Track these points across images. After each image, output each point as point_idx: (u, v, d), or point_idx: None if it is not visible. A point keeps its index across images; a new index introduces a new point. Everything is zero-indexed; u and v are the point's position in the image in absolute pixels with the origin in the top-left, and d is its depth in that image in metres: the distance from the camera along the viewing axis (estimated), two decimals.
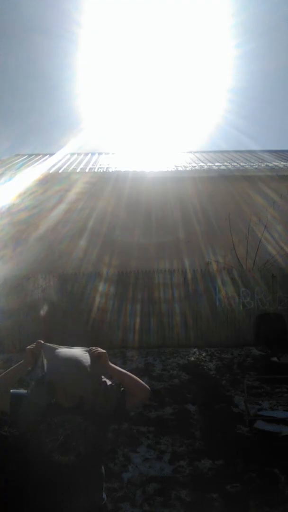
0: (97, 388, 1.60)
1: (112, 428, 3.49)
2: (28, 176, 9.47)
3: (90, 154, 12.99)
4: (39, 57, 31.58)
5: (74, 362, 1.62)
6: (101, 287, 7.72)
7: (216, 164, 10.56)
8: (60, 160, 11.45)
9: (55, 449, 1.51)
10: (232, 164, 10.57)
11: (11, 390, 1.66)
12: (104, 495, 1.68)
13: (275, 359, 6.24)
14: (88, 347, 1.76)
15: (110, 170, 9.91)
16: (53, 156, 12.19)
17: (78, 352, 1.71)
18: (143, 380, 1.68)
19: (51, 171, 9.92)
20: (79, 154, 12.94)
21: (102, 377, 1.69)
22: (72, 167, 10.41)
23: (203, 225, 9.28)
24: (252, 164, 10.54)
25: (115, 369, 1.74)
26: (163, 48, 31.20)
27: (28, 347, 1.72)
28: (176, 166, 10.24)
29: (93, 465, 1.59)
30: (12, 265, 8.54)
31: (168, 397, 5.11)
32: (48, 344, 1.73)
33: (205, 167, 10.23)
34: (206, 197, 9.43)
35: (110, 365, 1.73)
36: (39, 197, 9.30)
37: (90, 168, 10.27)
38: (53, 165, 10.61)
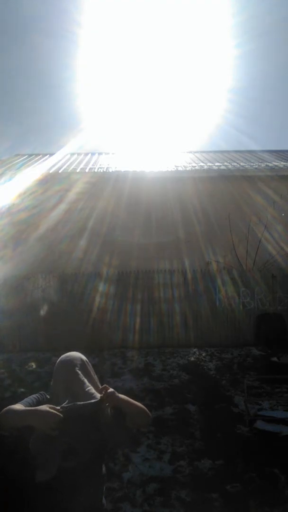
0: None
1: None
2: (28, 176, 9.47)
3: (90, 154, 12.99)
4: (39, 57, 31.60)
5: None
6: (101, 287, 7.72)
7: (216, 164, 10.56)
8: (60, 160, 11.45)
9: (58, 454, 1.51)
10: (232, 164, 10.57)
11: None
12: (104, 501, 1.67)
13: (275, 359, 6.24)
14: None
15: (110, 170, 9.91)
16: (53, 156, 12.19)
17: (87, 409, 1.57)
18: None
19: (51, 171, 9.92)
20: (79, 154, 12.94)
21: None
22: (72, 167, 10.41)
23: (203, 225, 9.29)
24: (252, 164, 10.54)
25: (125, 402, 1.65)
26: (163, 48, 31.24)
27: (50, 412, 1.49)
28: (176, 166, 10.25)
29: (94, 469, 1.60)
30: (12, 265, 8.55)
31: (168, 397, 5.11)
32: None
33: (205, 167, 10.23)
34: (206, 197, 9.44)
35: (120, 400, 1.63)
36: (39, 197, 9.30)
37: (90, 168, 10.27)
38: (53, 165, 10.61)
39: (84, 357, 1.72)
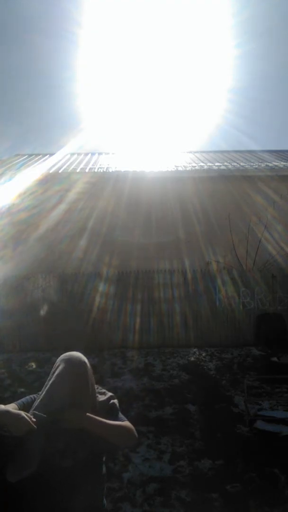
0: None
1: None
2: (28, 176, 9.47)
3: (90, 154, 12.99)
4: (39, 57, 31.60)
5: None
6: (101, 287, 7.72)
7: (216, 164, 10.56)
8: (60, 160, 11.45)
9: (55, 454, 1.51)
10: (232, 164, 10.57)
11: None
12: (105, 501, 1.67)
13: (275, 359, 6.24)
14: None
15: (110, 170, 9.91)
16: (53, 156, 12.20)
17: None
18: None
19: (51, 171, 9.92)
20: (79, 154, 12.95)
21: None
22: (72, 167, 10.41)
23: (203, 225, 9.29)
24: (252, 164, 10.54)
25: (103, 427, 1.57)
26: (163, 48, 31.24)
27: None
28: (176, 166, 10.25)
29: (92, 468, 1.59)
30: (12, 265, 8.55)
31: (168, 397, 5.11)
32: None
33: (205, 167, 10.23)
34: (206, 197, 9.44)
35: (95, 426, 1.55)
36: (39, 197, 9.30)
37: (90, 168, 10.27)
38: (53, 165, 10.61)
39: (84, 358, 1.71)
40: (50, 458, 1.49)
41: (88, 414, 1.56)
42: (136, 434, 1.66)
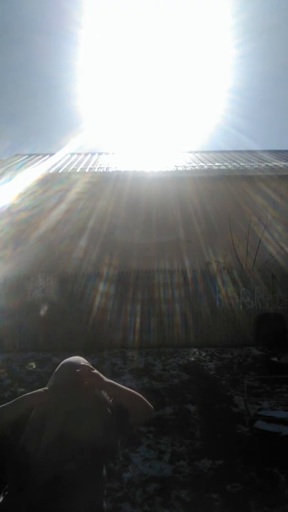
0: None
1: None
2: (28, 176, 9.47)
3: (90, 154, 12.99)
4: (39, 57, 31.62)
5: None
6: (101, 287, 7.73)
7: (216, 164, 10.56)
8: (60, 160, 11.46)
9: (60, 458, 1.50)
10: (232, 164, 10.57)
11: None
12: (105, 504, 1.67)
13: (275, 359, 6.24)
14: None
15: (110, 170, 9.91)
16: (53, 156, 12.20)
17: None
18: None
19: (51, 171, 9.92)
20: (79, 154, 12.95)
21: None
22: (72, 167, 10.41)
23: (203, 225, 9.29)
24: (252, 164, 10.54)
25: (113, 386, 1.64)
26: (163, 49, 31.23)
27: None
28: (176, 166, 10.24)
29: (94, 470, 1.59)
30: (12, 265, 8.55)
31: (168, 397, 5.11)
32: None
33: (205, 167, 10.23)
34: (206, 197, 9.44)
35: (106, 382, 1.63)
36: (39, 197, 9.31)
37: (90, 168, 10.27)
38: (53, 165, 10.62)
39: (88, 363, 1.72)
40: (54, 462, 1.49)
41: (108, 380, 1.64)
42: (151, 406, 1.71)
